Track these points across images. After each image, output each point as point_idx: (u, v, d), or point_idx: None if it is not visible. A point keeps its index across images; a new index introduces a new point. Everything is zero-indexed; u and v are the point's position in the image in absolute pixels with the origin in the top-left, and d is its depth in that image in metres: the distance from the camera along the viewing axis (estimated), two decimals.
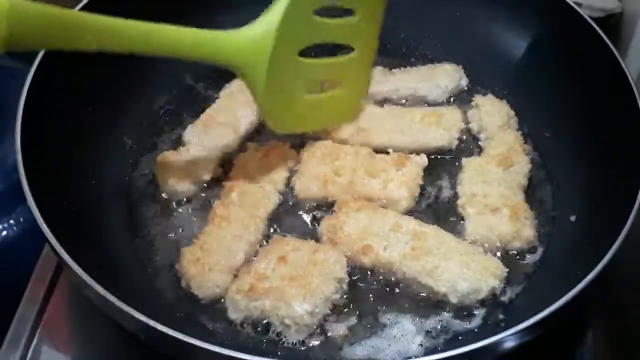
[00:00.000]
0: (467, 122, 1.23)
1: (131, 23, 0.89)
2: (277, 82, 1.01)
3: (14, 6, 0.75)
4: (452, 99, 1.27)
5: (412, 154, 1.15)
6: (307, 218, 1.10)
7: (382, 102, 1.26)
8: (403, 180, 1.09)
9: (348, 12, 1.08)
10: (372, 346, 0.95)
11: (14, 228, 1.26)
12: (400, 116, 1.20)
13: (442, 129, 1.18)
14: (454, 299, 0.97)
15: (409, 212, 1.09)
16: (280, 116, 1.08)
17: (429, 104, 1.26)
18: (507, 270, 1.00)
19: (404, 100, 1.27)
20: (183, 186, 1.11)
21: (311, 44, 1.05)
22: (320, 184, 1.10)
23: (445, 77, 1.26)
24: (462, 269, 0.97)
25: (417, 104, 1.26)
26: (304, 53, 1.05)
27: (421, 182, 1.12)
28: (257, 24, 0.96)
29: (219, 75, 1.28)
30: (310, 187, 1.10)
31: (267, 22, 0.96)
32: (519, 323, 0.81)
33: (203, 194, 1.12)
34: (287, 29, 0.97)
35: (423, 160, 1.14)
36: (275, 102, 1.04)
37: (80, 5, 1.11)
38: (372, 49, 1.15)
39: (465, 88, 1.28)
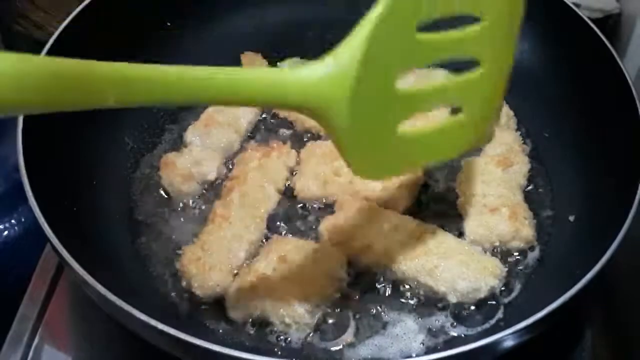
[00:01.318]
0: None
1: (173, 71, 0.68)
2: (364, 123, 0.77)
3: (21, 60, 0.58)
4: None
5: None
6: (307, 218, 1.10)
7: None
8: (403, 180, 1.10)
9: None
10: (375, 344, 0.95)
11: (16, 228, 1.26)
12: None
13: None
14: (453, 299, 0.97)
15: (409, 212, 1.09)
16: (370, 161, 0.83)
17: None
18: (506, 269, 1.01)
19: None
20: (189, 187, 1.11)
21: (415, 67, 0.82)
22: (320, 184, 1.10)
23: None
24: (461, 268, 0.98)
25: None
26: None
27: (421, 182, 1.12)
28: (335, 54, 0.73)
29: None
30: (310, 187, 1.10)
31: (349, 53, 0.72)
32: (518, 322, 0.82)
33: (204, 194, 1.12)
34: (377, 56, 0.73)
35: None
36: (363, 146, 0.79)
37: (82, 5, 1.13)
38: (507, 64, 0.86)
39: None
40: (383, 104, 0.78)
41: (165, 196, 1.12)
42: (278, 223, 1.09)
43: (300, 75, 0.73)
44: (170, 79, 0.68)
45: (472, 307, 0.98)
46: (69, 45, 1.09)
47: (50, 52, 1.05)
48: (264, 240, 1.05)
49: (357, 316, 0.98)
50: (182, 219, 1.10)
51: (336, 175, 1.10)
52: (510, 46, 0.85)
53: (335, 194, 1.09)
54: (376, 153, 0.82)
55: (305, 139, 1.18)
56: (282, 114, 1.24)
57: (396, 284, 1.01)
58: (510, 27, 0.84)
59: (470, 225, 1.06)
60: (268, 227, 1.07)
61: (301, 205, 1.11)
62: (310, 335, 0.95)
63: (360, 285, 1.01)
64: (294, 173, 1.14)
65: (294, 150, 1.17)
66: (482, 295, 0.97)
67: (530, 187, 1.14)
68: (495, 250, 1.05)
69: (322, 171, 1.11)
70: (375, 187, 1.09)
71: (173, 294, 1.00)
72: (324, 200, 1.11)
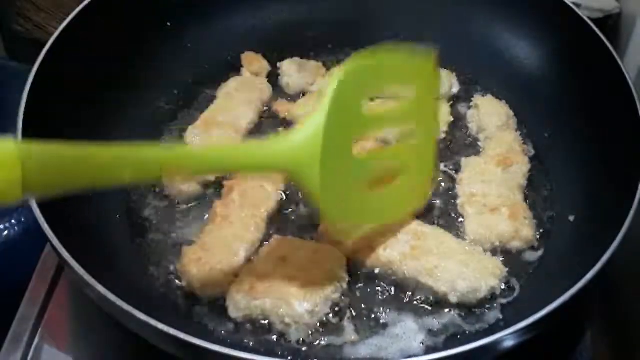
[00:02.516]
0: (466, 122, 1.24)
1: (180, 150, 0.90)
2: (333, 182, 0.91)
3: (25, 150, 0.69)
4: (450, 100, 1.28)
5: None
6: (307, 218, 1.10)
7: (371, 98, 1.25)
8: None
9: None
10: (375, 344, 0.95)
11: (16, 228, 1.26)
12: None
13: None
14: (453, 299, 0.97)
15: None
16: (341, 217, 0.98)
17: None
18: (506, 269, 1.01)
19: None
20: (189, 187, 1.11)
21: (365, 137, 1.08)
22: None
23: None
24: (461, 268, 0.98)
25: None
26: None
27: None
28: (305, 125, 0.88)
29: (219, 74, 1.29)
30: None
31: (314, 124, 0.87)
32: (518, 322, 0.82)
33: (204, 194, 1.12)
34: (335, 126, 0.88)
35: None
36: (333, 203, 0.94)
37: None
38: (434, 129, 1.08)
39: (456, 93, 1.28)
40: (345, 167, 0.93)
41: (165, 196, 1.12)
42: (278, 223, 1.09)
43: (281, 142, 0.89)
44: (167, 156, 0.83)
45: (472, 307, 0.98)
46: (69, 45, 1.09)
47: (50, 52, 1.05)
48: (264, 241, 1.05)
49: (357, 316, 0.98)
50: (182, 219, 1.10)
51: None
52: (435, 115, 1.07)
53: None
54: (344, 208, 0.96)
55: None
56: (282, 114, 1.24)
57: (396, 284, 1.01)
58: (431, 99, 1.04)
59: (471, 225, 1.06)
60: (268, 227, 1.07)
61: (301, 204, 1.11)
62: (311, 335, 0.95)
63: (360, 285, 1.01)
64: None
65: None
66: (482, 295, 0.97)
67: (530, 187, 1.14)
68: (496, 250, 1.05)
69: None
70: None
71: (173, 294, 1.00)
72: None
